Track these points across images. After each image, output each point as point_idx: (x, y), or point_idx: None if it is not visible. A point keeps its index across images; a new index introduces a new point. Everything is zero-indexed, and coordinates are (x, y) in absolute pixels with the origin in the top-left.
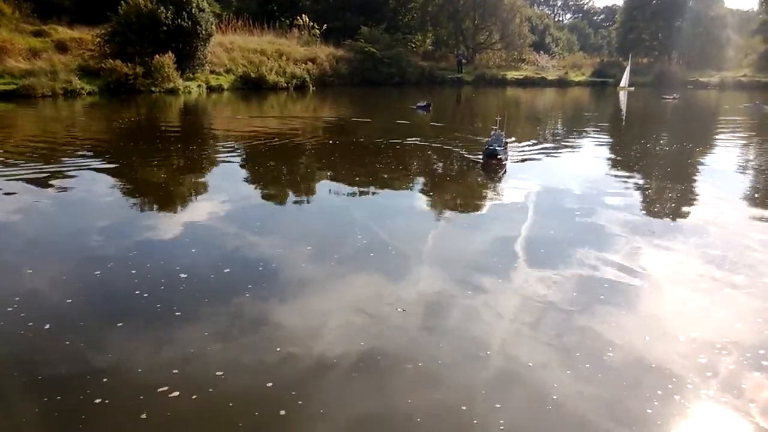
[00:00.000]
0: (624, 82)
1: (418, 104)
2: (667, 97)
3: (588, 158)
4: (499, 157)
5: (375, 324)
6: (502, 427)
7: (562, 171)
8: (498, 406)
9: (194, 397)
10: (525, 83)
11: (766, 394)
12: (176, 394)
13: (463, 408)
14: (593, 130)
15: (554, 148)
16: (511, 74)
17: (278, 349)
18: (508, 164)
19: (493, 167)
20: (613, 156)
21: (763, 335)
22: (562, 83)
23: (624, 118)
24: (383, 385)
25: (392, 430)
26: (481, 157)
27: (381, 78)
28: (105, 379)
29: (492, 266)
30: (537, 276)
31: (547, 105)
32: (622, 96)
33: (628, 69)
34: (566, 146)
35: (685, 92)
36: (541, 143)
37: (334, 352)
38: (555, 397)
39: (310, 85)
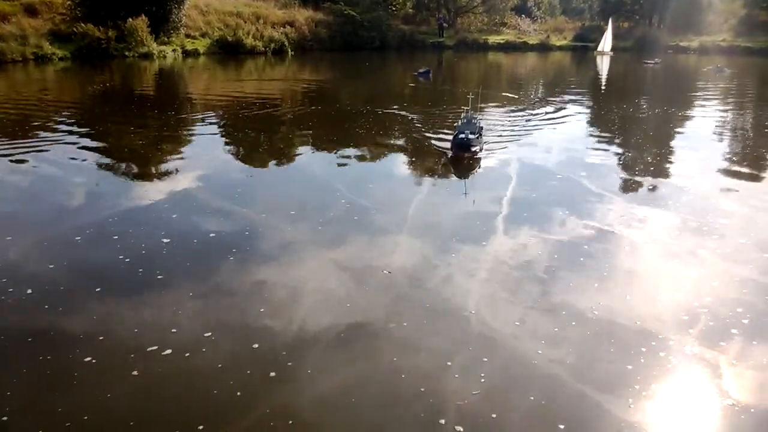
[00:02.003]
0: (602, 46)
1: (419, 71)
2: (648, 61)
3: (569, 123)
4: (472, 149)
5: (359, 285)
6: (483, 380)
7: (544, 136)
8: (485, 359)
9: (187, 355)
10: (506, 48)
11: (744, 350)
12: (168, 352)
13: (448, 363)
14: (574, 95)
15: (535, 113)
16: (493, 38)
17: (262, 311)
18: (483, 155)
19: (464, 161)
20: (593, 121)
21: (740, 294)
22: (543, 48)
23: (605, 83)
24: (370, 347)
25: (380, 387)
26: (450, 147)
27: (361, 42)
28: (93, 340)
29: (472, 232)
30: (520, 236)
31: (529, 70)
32: (600, 61)
33: (607, 33)
34: (547, 112)
35: (665, 57)
36: (523, 109)
37: (319, 314)
38: (539, 353)
39: (289, 50)
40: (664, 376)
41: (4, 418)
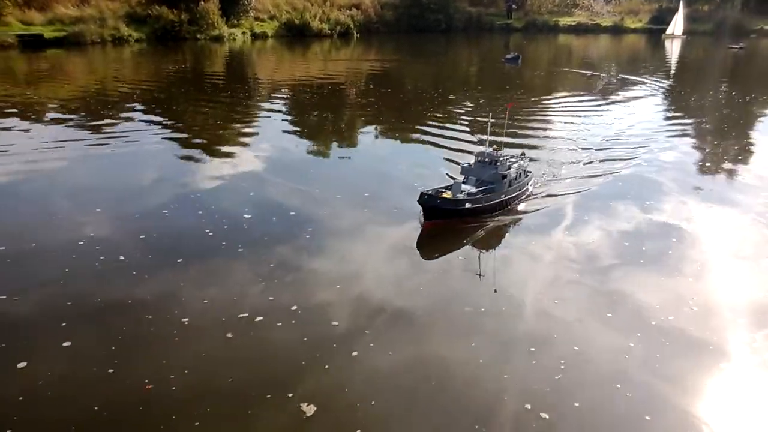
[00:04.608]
0: (672, 29)
1: (507, 56)
2: (733, 46)
3: (642, 110)
4: (467, 207)
5: (427, 270)
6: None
7: (615, 123)
8: (532, 349)
9: (279, 324)
10: (578, 30)
11: None
12: (260, 318)
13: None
14: (649, 80)
15: (607, 99)
16: (564, 20)
17: (338, 287)
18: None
19: (427, 230)
20: (669, 108)
21: None
22: (617, 30)
23: (681, 68)
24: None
25: (446, 370)
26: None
27: (427, 25)
28: (184, 304)
29: (540, 223)
30: (586, 228)
31: (601, 53)
32: (670, 45)
33: (678, 16)
34: (620, 97)
35: (748, 41)
36: (594, 94)
37: (388, 293)
38: (597, 346)
39: (354, 33)
40: (731, 375)
41: (111, 371)
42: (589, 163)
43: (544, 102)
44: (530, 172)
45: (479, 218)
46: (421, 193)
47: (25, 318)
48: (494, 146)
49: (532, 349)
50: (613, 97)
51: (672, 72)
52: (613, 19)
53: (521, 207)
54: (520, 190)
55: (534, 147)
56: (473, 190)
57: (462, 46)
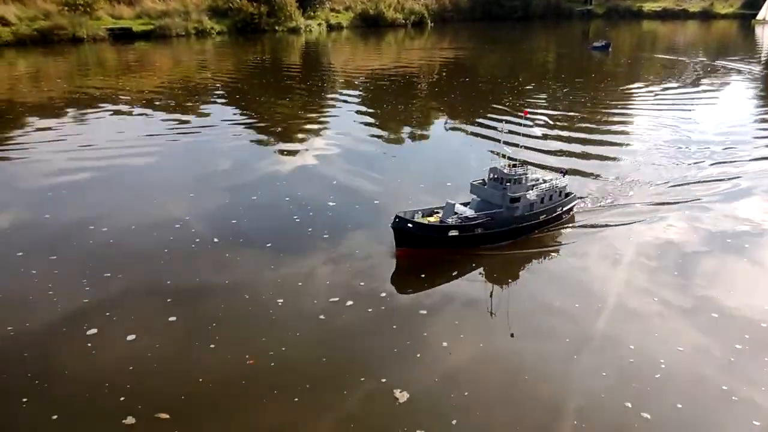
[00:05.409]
0: (763, 14)
1: (594, 44)
2: None
3: (733, 104)
4: (451, 235)
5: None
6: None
7: (700, 117)
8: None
9: (369, 310)
10: (663, 15)
11: None
12: (350, 303)
13: None
14: (741, 71)
15: (694, 90)
16: (648, 6)
17: (423, 276)
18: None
19: (405, 259)
20: (760, 103)
21: None
22: (705, 15)
23: None
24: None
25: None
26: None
27: (503, 12)
28: (278, 286)
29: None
30: (669, 221)
31: (688, 40)
32: (762, 31)
33: None
34: (707, 90)
35: None
36: (680, 85)
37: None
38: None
39: (429, 22)
40: None
41: (212, 346)
42: (666, 183)
43: (629, 92)
44: (571, 193)
45: (478, 248)
46: (396, 215)
47: (131, 294)
48: (510, 161)
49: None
50: (704, 88)
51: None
52: (701, 4)
53: (552, 235)
54: (548, 215)
55: (603, 156)
56: (470, 213)
57: (540, 34)
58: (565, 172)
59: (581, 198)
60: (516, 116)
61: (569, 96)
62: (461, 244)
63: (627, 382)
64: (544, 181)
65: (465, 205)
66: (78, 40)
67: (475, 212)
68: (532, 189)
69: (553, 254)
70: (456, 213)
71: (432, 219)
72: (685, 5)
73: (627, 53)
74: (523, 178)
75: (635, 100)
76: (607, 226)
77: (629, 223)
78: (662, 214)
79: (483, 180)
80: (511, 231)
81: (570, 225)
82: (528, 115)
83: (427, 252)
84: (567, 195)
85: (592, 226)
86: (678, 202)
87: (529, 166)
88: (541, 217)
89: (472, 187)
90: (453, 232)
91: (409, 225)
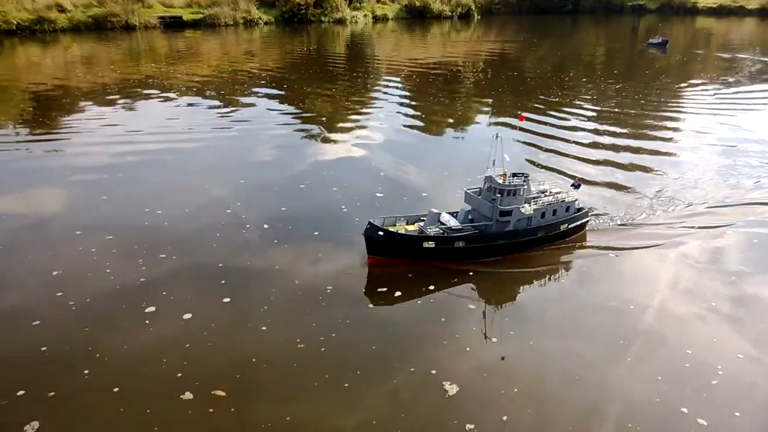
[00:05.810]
0: None
1: (650, 41)
2: None
3: None
4: (425, 247)
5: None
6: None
7: (757, 119)
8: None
9: (418, 302)
10: (719, 12)
11: None
12: (399, 294)
13: None
14: None
15: (751, 91)
16: (703, 1)
17: (471, 274)
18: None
19: (375, 267)
20: None
21: None
22: (765, 12)
23: None
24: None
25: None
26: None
27: (551, 6)
28: (329, 273)
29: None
30: (686, 248)
31: (745, 39)
32: None
33: None
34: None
35: None
36: (735, 85)
37: None
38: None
39: (475, 14)
40: None
41: (263, 328)
42: (704, 204)
43: (683, 91)
44: (583, 208)
45: (459, 263)
46: (369, 221)
47: (186, 275)
48: (506, 171)
49: None
50: (763, 87)
51: None
52: (760, 0)
53: (549, 254)
54: (549, 232)
55: (645, 167)
56: (455, 224)
57: (589, 28)
58: (578, 184)
59: (596, 214)
60: (556, 116)
61: (621, 93)
62: (438, 257)
63: None
64: (550, 194)
65: (448, 213)
66: (130, 28)
67: (461, 223)
68: (531, 202)
69: (554, 274)
70: (441, 222)
71: (411, 228)
72: (742, 2)
73: (681, 50)
74: (520, 190)
75: (690, 101)
76: (621, 249)
77: (644, 247)
78: (682, 239)
79: (479, 189)
80: (497, 247)
81: (578, 243)
82: (523, 120)
83: (400, 262)
84: (578, 210)
85: (606, 248)
86: (708, 227)
87: (534, 177)
88: (539, 234)
89: (465, 195)
90: (429, 244)
91: (379, 233)
